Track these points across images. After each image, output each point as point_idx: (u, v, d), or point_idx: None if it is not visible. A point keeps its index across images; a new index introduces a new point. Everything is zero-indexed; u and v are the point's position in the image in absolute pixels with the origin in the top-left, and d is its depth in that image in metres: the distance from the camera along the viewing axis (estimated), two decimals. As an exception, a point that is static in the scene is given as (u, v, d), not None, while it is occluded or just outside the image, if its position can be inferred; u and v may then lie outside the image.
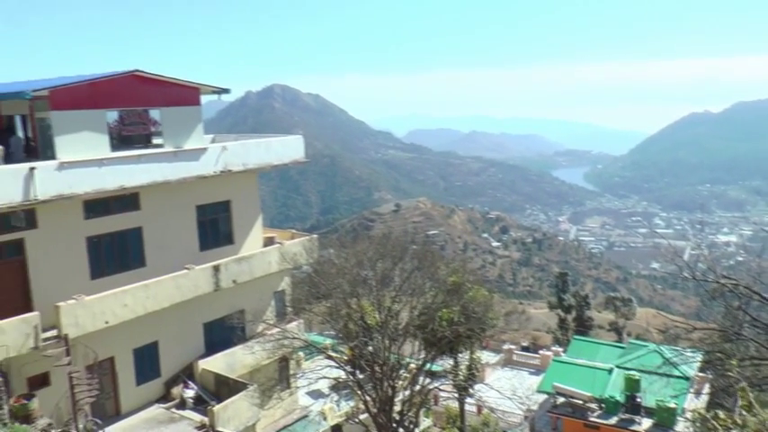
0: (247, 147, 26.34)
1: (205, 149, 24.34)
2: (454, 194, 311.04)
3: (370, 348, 23.40)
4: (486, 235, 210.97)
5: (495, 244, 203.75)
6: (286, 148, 28.00)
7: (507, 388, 29.44)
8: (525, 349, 44.75)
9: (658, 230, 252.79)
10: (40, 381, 20.47)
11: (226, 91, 26.38)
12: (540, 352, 42.14)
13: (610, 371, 28.64)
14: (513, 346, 42.90)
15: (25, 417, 17.52)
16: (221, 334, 25.37)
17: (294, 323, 26.73)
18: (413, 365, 24.91)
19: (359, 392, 23.94)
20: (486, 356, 36.62)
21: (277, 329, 24.64)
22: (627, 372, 27.45)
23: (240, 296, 25.66)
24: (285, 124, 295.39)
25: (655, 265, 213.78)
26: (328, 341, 29.19)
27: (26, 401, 18.02)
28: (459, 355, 26.27)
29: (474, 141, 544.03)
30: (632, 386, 26.43)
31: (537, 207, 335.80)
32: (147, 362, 23.63)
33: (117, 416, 22.78)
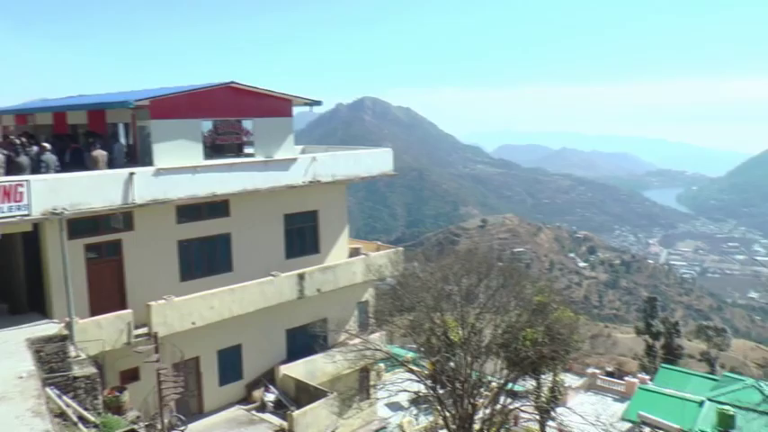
0: (337, 158, 26.72)
1: (295, 160, 24.85)
2: (542, 212, 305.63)
3: (452, 364, 23.24)
4: (572, 255, 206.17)
5: (581, 264, 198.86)
6: (375, 161, 28.25)
7: (590, 413, 28.59)
8: (610, 374, 43.52)
9: (758, 258, 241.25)
10: (131, 375, 21.33)
11: (318, 103, 26.86)
12: (626, 378, 40.88)
13: (701, 403, 27.26)
14: (597, 371, 41.80)
15: (117, 408, 18.27)
16: (303, 341, 25.76)
17: (376, 334, 26.83)
18: (494, 384, 24.58)
19: (438, 408, 23.80)
20: (569, 379, 35.79)
21: (359, 340, 24.80)
22: (720, 406, 25.82)
23: (324, 305, 26.00)
24: (374, 137, 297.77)
25: (753, 294, 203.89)
26: (410, 354, 29.19)
27: (118, 394, 18.80)
28: (542, 376, 25.73)
29: (564, 158, 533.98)
30: (726, 422, 24.86)
31: (626, 228, 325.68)
32: (230, 364, 24.23)
33: (200, 414, 23.43)
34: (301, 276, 24.67)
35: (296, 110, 26.08)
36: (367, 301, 28.66)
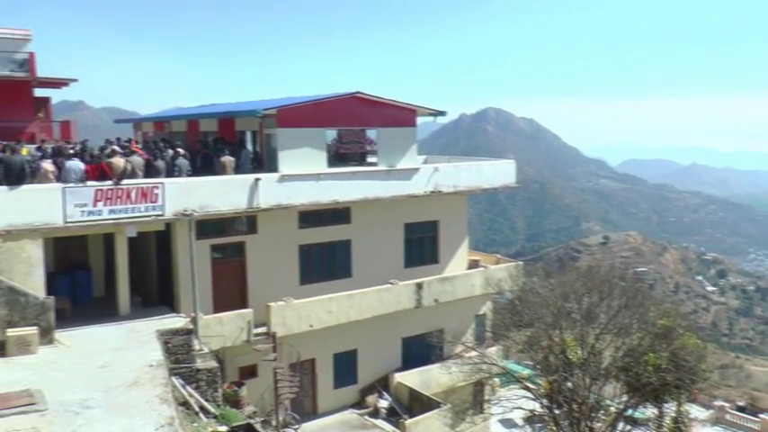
0: (459, 169, 26.63)
1: (417, 170, 24.93)
2: (667, 231, 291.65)
3: (570, 384, 22.47)
4: (700, 278, 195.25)
5: (709, 288, 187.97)
6: (497, 173, 27.92)
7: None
8: (741, 409, 40.80)
9: None
10: (249, 372, 22.06)
11: (442, 113, 26.83)
12: (761, 416, 38.14)
13: None
14: (726, 404, 39.35)
15: (235, 402, 18.95)
16: (419, 350, 25.72)
17: (493, 348, 26.37)
18: (613, 409, 23.57)
19: (554, 429, 23.06)
20: (694, 411, 33.78)
21: (475, 353, 24.49)
22: None
23: (441, 315, 25.86)
24: (497, 148, 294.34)
25: None
26: (526, 371, 28.46)
27: (237, 388, 19.53)
28: (665, 405, 24.39)
29: (694, 175, 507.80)
30: None
31: (763, 252, 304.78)
32: (345, 368, 24.56)
33: (313, 414, 23.87)
34: (419, 286, 24.67)
35: (419, 119, 26.16)
36: (484, 315, 28.29)
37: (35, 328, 16.38)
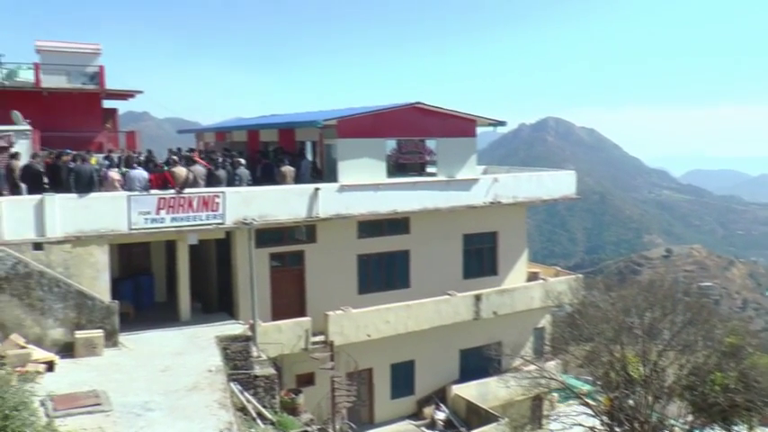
0: (518, 180, 26.35)
1: (476, 180, 24.75)
2: (734, 244, 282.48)
3: (631, 402, 21.87)
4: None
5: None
6: (557, 183, 27.53)
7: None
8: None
9: None
10: (307, 380, 22.22)
11: (502, 123, 26.59)
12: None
13: None
14: (801, 428, 37.63)
15: (292, 409, 19.09)
16: (477, 363, 25.43)
17: (552, 362, 25.91)
18: (677, 429, 22.84)
19: (614, 446, 22.51)
20: (766, 435, 32.51)
21: (534, 367, 24.11)
22: None
23: (499, 328, 25.56)
24: (556, 158, 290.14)
25: None
26: (586, 387, 27.85)
27: (294, 396, 19.68)
28: (734, 427, 23.48)
29: (763, 185, 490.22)
30: None
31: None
32: (402, 378, 24.50)
33: (370, 424, 23.88)
34: (478, 297, 24.43)
35: (478, 129, 25.96)
36: (543, 328, 27.86)
37: (101, 330, 16.94)
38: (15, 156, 18.82)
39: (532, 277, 27.57)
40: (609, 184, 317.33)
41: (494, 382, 25.02)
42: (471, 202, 24.45)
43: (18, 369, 13.50)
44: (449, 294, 23.89)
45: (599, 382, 23.43)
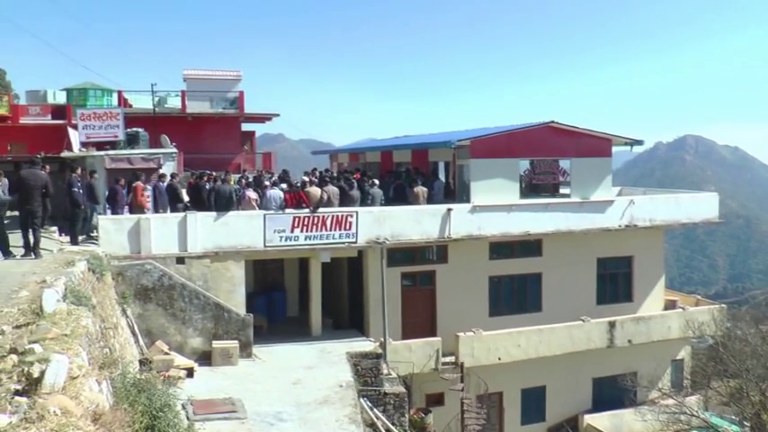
0: (656, 202, 25.30)
1: (612, 202, 23.96)
2: None
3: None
4: None
5: None
6: (697, 206, 26.19)
7: None
8: None
9: None
10: (436, 400, 22.11)
11: (639, 142, 25.67)
12: None
13: None
14: None
15: (421, 428, 19.16)
16: (611, 392, 24.38)
17: (693, 398, 24.41)
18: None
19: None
20: None
21: (673, 401, 22.85)
22: None
23: (634, 357, 24.40)
24: (695, 179, 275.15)
25: None
26: (733, 428, 25.97)
27: (423, 415, 19.71)
28: None
29: None
30: None
31: None
32: (533, 404, 23.94)
33: (499, 449, 23.39)
34: (612, 324, 23.49)
35: (612, 149, 25.13)
36: (682, 360, 26.38)
37: (236, 341, 17.83)
38: (173, 176, 20.31)
39: (670, 305, 26.24)
40: (755, 207, 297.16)
41: (629, 415, 23.88)
42: (606, 225, 23.69)
43: (162, 373, 14.29)
44: (581, 320, 23.15)
45: (747, 423, 21.88)
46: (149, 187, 19.40)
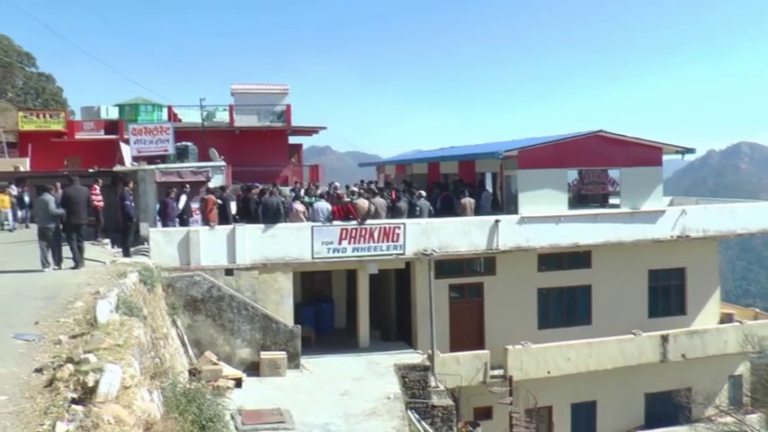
0: (709, 212, 24.66)
1: (663, 212, 23.45)
2: None
3: None
4: None
5: None
6: (753, 215, 25.43)
7: None
8: None
9: None
10: (484, 413, 21.87)
11: (691, 151, 25.10)
12: None
13: None
14: None
15: (469, 442, 18.97)
16: (664, 409, 23.77)
17: (753, 416, 23.53)
18: None
19: None
20: None
21: (732, 419, 22.15)
22: None
23: (689, 372, 23.76)
24: (751, 187, 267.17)
25: None
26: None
27: (471, 429, 19.62)
28: None
29: None
30: None
31: None
32: (583, 419, 23.52)
33: (550, 465, 22.99)
34: (665, 338, 22.93)
35: (663, 157, 24.61)
36: (741, 376, 25.57)
37: (284, 352, 17.96)
38: (224, 189, 20.61)
39: (726, 319, 25.45)
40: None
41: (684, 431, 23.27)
42: (657, 236, 23.18)
43: (211, 383, 14.42)
44: (633, 333, 22.66)
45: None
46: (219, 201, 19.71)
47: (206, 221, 19.11)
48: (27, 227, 22.04)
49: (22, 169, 28.56)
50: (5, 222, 22.11)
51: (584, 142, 23.15)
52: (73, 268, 14.02)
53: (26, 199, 22.93)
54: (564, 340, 21.89)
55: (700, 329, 24.03)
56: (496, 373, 20.97)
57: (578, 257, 23.10)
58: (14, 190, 22.81)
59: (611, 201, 24.03)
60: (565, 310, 23.27)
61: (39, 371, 6.63)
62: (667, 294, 24.86)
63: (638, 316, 23.82)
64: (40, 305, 9.88)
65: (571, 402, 23.16)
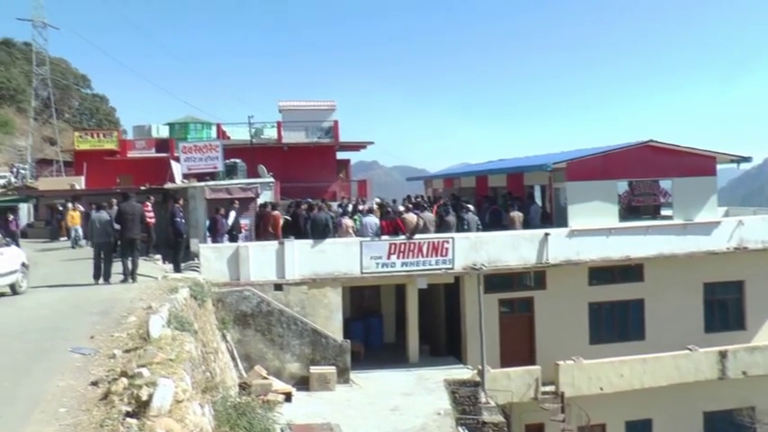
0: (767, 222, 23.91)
1: (718, 223, 22.86)
2: None
3: None
4: None
5: None
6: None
7: None
8: None
9: None
10: (536, 430, 21.62)
11: (747, 159, 24.47)
12: None
13: None
14: None
15: (521, 458, 18.68)
16: (724, 428, 23.03)
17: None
18: None
19: None
20: None
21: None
22: None
23: (751, 390, 22.87)
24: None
25: None
26: None
27: (523, 446, 19.20)
28: None
29: None
30: None
31: None
32: (639, 438, 22.86)
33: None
34: (723, 354, 22.20)
35: (717, 166, 23.99)
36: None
37: (334, 367, 18.02)
38: (275, 206, 20.83)
39: (790, 335, 24.56)
40: None
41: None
42: (712, 248, 22.58)
43: (261, 397, 14.51)
44: (689, 349, 22.01)
45: None
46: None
47: (267, 237, 19.41)
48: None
49: (77, 187, 29.39)
50: (79, 241, 22.93)
51: (634, 153, 22.75)
52: (122, 281, 14.33)
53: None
54: (616, 356, 21.40)
55: (761, 345, 23.16)
56: (548, 389, 20.60)
57: (630, 271, 22.62)
58: (82, 207, 23.58)
59: (663, 212, 23.48)
60: (617, 324, 22.78)
61: (94, 384, 6.74)
62: (725, 308, 24.14)
63: (694, 331, 23.11)
64: (95, 320, 10.08)
65: (625, 420, 22.62)
